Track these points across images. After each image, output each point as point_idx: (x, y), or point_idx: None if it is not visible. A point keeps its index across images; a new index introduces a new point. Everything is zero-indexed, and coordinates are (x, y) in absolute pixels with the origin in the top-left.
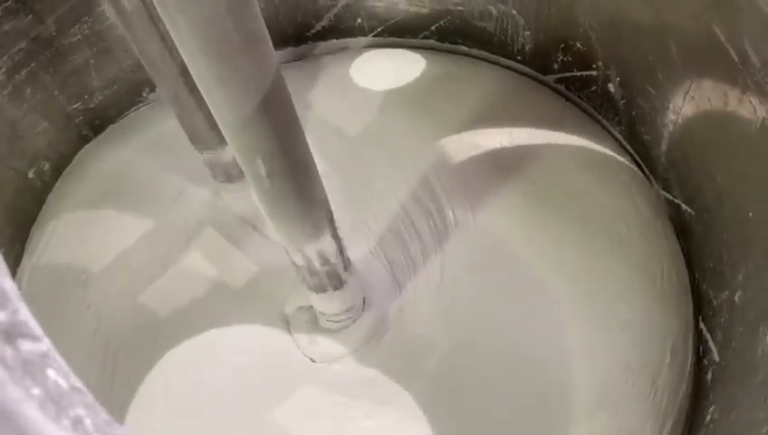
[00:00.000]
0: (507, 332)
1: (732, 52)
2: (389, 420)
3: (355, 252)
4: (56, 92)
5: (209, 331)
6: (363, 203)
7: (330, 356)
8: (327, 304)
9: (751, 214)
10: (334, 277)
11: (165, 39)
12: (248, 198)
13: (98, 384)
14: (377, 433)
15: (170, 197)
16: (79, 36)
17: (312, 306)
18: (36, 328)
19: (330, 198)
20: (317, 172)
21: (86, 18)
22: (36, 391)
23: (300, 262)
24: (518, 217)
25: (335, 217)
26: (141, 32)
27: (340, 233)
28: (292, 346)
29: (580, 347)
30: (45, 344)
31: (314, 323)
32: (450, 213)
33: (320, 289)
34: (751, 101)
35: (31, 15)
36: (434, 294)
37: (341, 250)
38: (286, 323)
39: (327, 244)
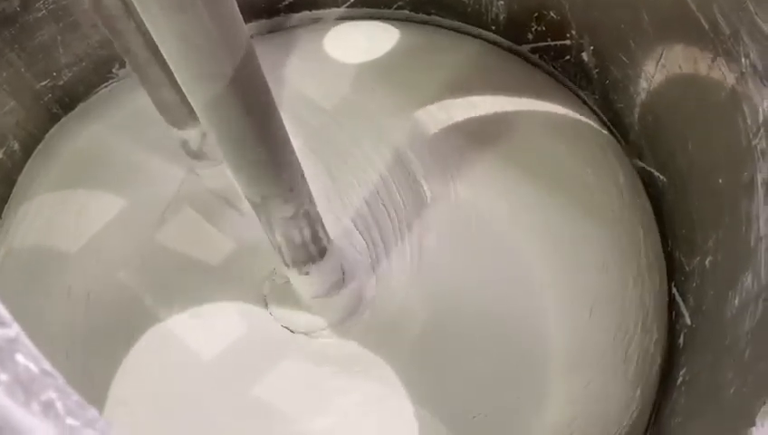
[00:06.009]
0: (485, 299)
1: (702, 20)
2: (372, 391)
3: (332, 226)
4: (23, 70)
5: (188, 308)
6: (339, 177)
7: (309, 329)
8: (305, 279)
9: (720, 180)
10: (311, 252)
11: (131, 12)
12: (223, 173)
13: (77, 365)
14: (360, 405)
15: (144, 174)
16: (44, 11)
17: (289, 282)
18: (4, 313)
19: (305, 172)
20: (291, 145)
21: None
22: (4, 376)
23: (277, 237)
24: (494, 186)
25: (312, 192)
26: (106, 4)
27: (317, 207)
28: (271, 322)
29: (555, 311)
30: (14, 330)
31: (293, 299)
32: (426, 184)
33: (297, 264)
34: (720, 69)
35: None
36: (412, 266)
37: (319, 223)
38: (264, 300)
39: (304, 218)
